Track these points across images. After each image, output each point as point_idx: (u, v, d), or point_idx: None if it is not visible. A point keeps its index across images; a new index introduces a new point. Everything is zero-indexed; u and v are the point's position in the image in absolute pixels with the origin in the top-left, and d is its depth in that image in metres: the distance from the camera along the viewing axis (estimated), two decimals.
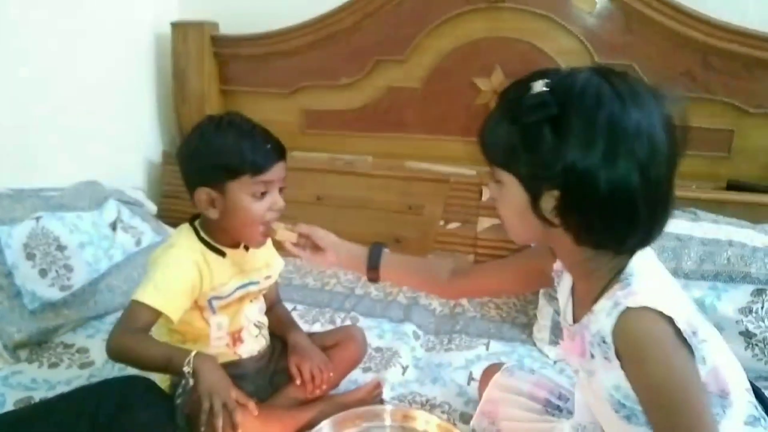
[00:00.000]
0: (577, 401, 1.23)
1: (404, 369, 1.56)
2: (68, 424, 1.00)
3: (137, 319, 1.16)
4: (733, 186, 1.95)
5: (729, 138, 2.00)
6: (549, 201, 0.86)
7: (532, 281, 1.21)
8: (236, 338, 1.32)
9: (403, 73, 2.24)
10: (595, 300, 0.91)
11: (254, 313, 1.35)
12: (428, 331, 1.77)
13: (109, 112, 2.22)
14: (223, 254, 1.26)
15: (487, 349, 1.66)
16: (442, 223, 2.14)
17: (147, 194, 2.31)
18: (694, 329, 0.86)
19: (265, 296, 1.40)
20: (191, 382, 1.20)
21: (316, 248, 1.26)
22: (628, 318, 0.84)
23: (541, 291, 1.73)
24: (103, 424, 0.98)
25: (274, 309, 1.45)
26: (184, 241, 1.25)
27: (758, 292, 1.50)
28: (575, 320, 0.99)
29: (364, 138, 2.35)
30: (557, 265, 1.07)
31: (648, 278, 0.87)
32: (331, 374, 1.34)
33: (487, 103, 2.15)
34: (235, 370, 1.27)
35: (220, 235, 1.26)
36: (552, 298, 1.67)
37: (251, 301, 1.34)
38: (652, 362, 0.84)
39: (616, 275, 0.90)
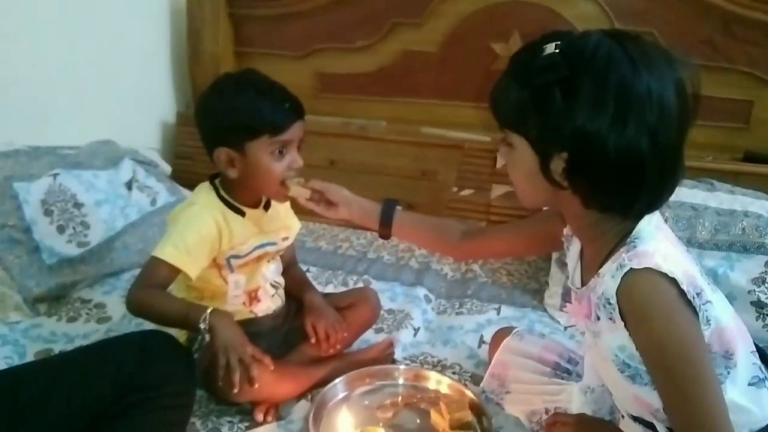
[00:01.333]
0: (587, 364, 1.24)
1: (416, 331, 1.58)
2: (92, 375, 1.02)
3: (156, 275, 1.18)
4: (749, 157, 1.93)
5: (748, 109, 1.97)
6: (558, 164, 0.86)
7: (542, 245, 1.23)
8: (253, 297, 1.34)
9: (420, 36, 2.21)
10: (602, 263, 0.92)
11: (271, 273, 1.37)
12: (440, 295, 1.79)
13: (124, 72, 2.21)
14: (242, 213, 1.27)
15: (498, 314, 1.67)
16: (455, 189, 2.14)
17: (161, 155, 2.31)
18: (698, 290, 0.87)
19: (281, 257, 1.42)
20: (207, 337, 1.22)
21: (329, 204, 1.26)
22: (631, 279, 0.85)
23: (554, 257, 1.73)
24: (126, 375, 1.00)
25: (290, 270, 1.47)
26: (204, 199, 1.26)
27: None
28: (583, 284, 1.00)
29: (378, 102, 2.34)
30: (567, 229, 1.07)
31: (653, 241, 0.88)
32: (345, 334, 1.37)
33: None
34: (250, 328, 1.29)
35: (239, 194, 1.27)
36: (563, 265, 1.68)
37: (269, 261, 1.35)
38: (655, 322, 0.85)
39: (622, 239, 0.91)
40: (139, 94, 2.33)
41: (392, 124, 2.30)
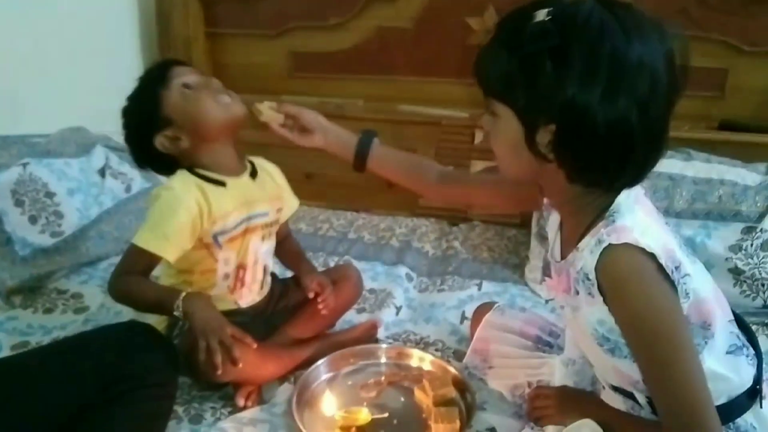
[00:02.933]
0: (568, 337, 1.25)
1: (398, 309, 1.58)
2: (73, 368, 1.00)
3: (135, 262, 1.18)
4: (725, 126, 1.94)
5: (723, 77, 1.97)
6: (545, 135, 0.84)
7: (520, 203, 1.20)
8: (240, 278, 1.31)
9: (394, 12, 2.18)
10: (581, 237, 0.92)
11: (264, 253, 1.34)
12: (421, 273, 1.78)
13: (93, 57, 2.15)
14: (223, 184, 1.24)
15: (480, 289, 1.68)
16: None
17: None
18: (677, 264, 0.87)
19: (276, 234, 1.39)
20: (187, 324, 1.21)
21: (304, 130, 1.22)
22: (610, 254, 0.85)
23: (533, 232, 1.74)
24: (108, 367, 0.99)
25: (285, 243, 1.45)
26: (180, 179, 1.23)
27: (748, 230, 1.52)
28: (563, 257, 1.00)
29: (354, 81, 2.30)
30: (548, 201, 1.06)
31: (631, 215, 0.88)
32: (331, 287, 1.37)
33: (480, 44, 2.09)
34: (233, 318, 1.28)
35: (215, 163, 1.24)
36: (543, 239, 1.68)
37: (263, 239, 1.33)
38: (633, 296, 0.85)
39: (601, 212, 0.90)
40: (109, 79, 2.24)
41: (369, 103, 2.28)
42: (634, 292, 0.85)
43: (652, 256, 0.84)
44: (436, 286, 1.70)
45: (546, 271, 1.65)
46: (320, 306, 1.33)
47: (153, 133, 1.21)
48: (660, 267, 0.84)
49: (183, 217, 1.18)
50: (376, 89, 2.28)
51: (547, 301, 1.63)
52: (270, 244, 1.36)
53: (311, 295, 1.34)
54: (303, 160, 2.05)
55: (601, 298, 0.88)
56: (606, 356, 0.94)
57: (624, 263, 0.85)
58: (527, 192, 1.11)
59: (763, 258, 1.50)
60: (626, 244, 0.84)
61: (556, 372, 1.20)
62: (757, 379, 0.98)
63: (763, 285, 1.49)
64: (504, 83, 0.86)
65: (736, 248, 1.51)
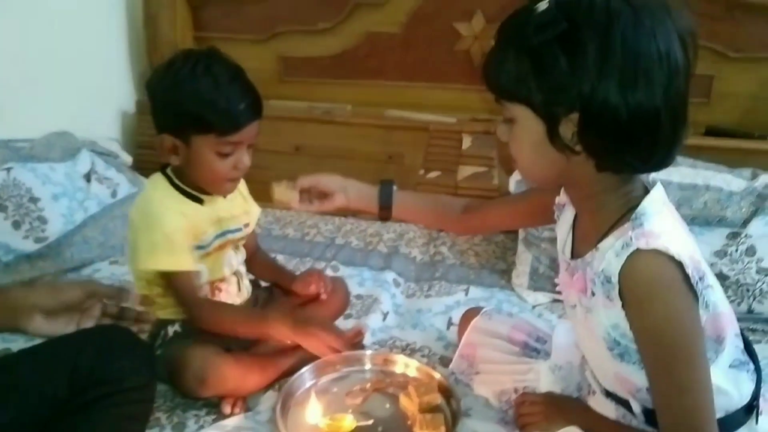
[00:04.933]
0: (555, 343, 1.25)
1: (384, 315, 1.57)
2: (48, 371, 0.99)
3: (187, 286, 1.20)
4: (711, 132, 1.95)
5: (708, 83, 1.99)
6: (568, 127, 0.82)
7: (538, 217, 1.18)
8: (215, 288, 1.31)
9: (382, 17, 2.18)
10: (602, 237, 0.89)
11: (237, 261, 1.34)
12: (408, 278, 1.78)
13: (79, 60, 2.13)
14: (200, 201, 1.23)
15: (467, 295, 1.67)
16: (422, 172, 2.12)
17: (122, 145, 2.25)
18: (701, 275, 0.85)
19: (245, 246, 1.39)
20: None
21: (323, 196, 1.22)
22: (637, 260, 0.82)
23: (520, 237, 1.74)
24: (84, 370, 0.98)
25: (256, 257, 1.44)
26: (161, 194, 1.21)
27: (733, 236, 1.52)
28: (575, 255, 0.97)
29: (342, 86, 2.31)
30: (559, 198, 1.04)
31: (660, 220, 0.85)
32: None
33: (468, 49, 2.12)
34: None
35: (193, 180, 1.22)
36: (530, 244, 1.68)
37: (235, 250, 1.32)
38: (657, 306, 0.83)
39: (626, 213, 0.87)
40: (95, 83, 2.26)
41: (357, 108, 2.28)
42: (658, 303, 0.83)
43: (680, 265, 0.82)
44: (423, 292, 1.69)
45: (534, 278, 1.66)
46: (323, 296, 1.38)
47: (170, 127, 1.15)
48: (686, 277, 0.82)
49: (179, 227, 1.18)
50: (364, 94, 2.28)
51: (533, 307, 1.63)
52: (242, 253, 1.37)
53: (313, 289, 1.37)
54: (289, 165, 2.05)
55: (620, 303, 0.86)
56: (613, 361, 0.93)
57: (651, 270, 0.83)
58: (540, 203, 1.10)
59: (747, 263, 1.50)
60: (655, 251, 0.82)
61: (542, 378, 1.20)
62: (756, 395, 0.97)
63: (747, 290, 1.50)
64: (516, 82, 0.84)
65: (721, 254, 1.52)
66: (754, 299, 1.50)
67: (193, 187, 1.23)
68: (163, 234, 1.16)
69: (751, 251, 1.51)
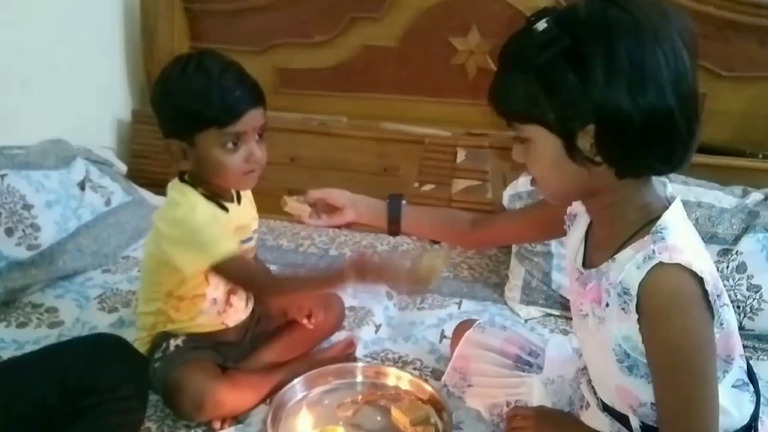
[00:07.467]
0: (547, 357, 1.25)
1: (377, 327, 1.57)
2: (37, 381, 0.99)
3: (244, 267, 1.20)
4: (703, 149, 1.96)
5: (700, 102, 2.00)
6: (585, 139, 0.82)
7: (548, 229, 1.18)
8: (228, 302, 1.29)
9: (379, 31, 2.20)
10: (618, 248, 0.89)
11: None
12: (401, 290, 1.77)
13: (76, 69, 2.14)
14: (226, 209, 1.21)
15: (459, 308, 1.67)
16: (416, 184, 2.13)
17: (117, 154, 2.25)
18: (719, 292, 0.85)
19: None
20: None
21: (332, 209, 1.22)
22: (660, 273, 0.82)
23: (513, 251, 1.74)
24: (74, 379, 0.98)
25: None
26: (191, 198, 1.17)
27: (724, 252, 1.53)
28: (588, 265, 0.97)
29: (338, 98, 2.31)
30: (571, 208, 1.04)
31: (682, 234, 0.85)
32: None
33: (463, 64, 2.13)
34: (219, 339, 1.27)
35: (214, 187, 1.20)
36: (524, 258, 1.69)
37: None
38: (675, 320, 0.83)
39: (644, 226, 0.87)
40: (92, 92, 2.26)
41: (353, 120, 2.28)
42: (677, 317, 0.83)
43: (701, 281, 0.82)
44: (416, 304, 1.69)
45: (527, 292, 1.66)
46: (310, 326, 1.36)
47: (174, 132, 1.14)
48: (705, 293, 0.82)
49: (212, 218, 1.18)
50: (360, 107, 2.28)
51: (526, 321, 1.63)
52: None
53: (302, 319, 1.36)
54: (284, 176, 2.05)
55: (636, 317, 0.85)
56: (620, 373, 0.92)
57: (673, 284, 0.82)
58: (551, 216, 1.10)
59: (738, 280, 1.51)
60: (678, 265, 0.81)
61: (534, 391, 1.19)
62: (755, 417, 0.97)
63: (738, 307, 1.51)
64: (527, 104, 0.84)
65: None
66: (744, 316, 1.51)
67: (212, 195, 1.20)
68: (206, 229, 1.13)
69: (742, 268, 1.51)
